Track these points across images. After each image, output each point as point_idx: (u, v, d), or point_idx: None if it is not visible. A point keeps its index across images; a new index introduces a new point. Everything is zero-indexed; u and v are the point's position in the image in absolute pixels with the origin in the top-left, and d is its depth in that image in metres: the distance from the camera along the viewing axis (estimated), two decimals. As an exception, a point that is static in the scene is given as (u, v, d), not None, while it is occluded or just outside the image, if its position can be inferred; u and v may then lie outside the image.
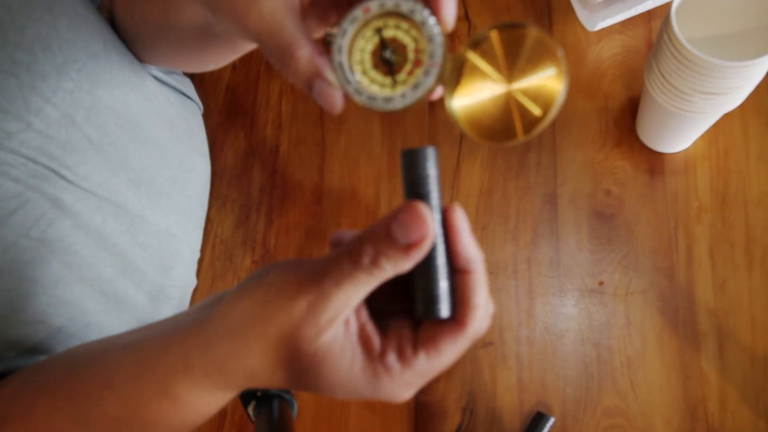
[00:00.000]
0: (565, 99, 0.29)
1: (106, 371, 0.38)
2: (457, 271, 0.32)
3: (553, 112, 0.29)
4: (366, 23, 0.31)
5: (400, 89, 0.31)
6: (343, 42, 0.31)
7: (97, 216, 0.52)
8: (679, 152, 0.68)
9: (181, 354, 0.35)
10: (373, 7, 0.31)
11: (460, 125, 0.31)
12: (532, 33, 0.29)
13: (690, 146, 0.68)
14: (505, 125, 0.30)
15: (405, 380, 0.32)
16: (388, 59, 0.31)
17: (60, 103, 0.46)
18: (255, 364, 0.33)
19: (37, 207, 0.47)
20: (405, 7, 0.30)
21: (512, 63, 0.30)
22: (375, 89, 0.31)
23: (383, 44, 0.31)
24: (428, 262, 0.30)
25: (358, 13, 0.31)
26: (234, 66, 0.77)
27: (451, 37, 0.76)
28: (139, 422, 0.37)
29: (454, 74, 0.31)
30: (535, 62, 0.30)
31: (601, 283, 0.64)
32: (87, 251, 0.52)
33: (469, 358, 0.63)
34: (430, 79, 0.30)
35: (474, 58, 0.30)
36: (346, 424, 0.61)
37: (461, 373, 0.62)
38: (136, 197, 0.57)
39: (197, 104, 0.74)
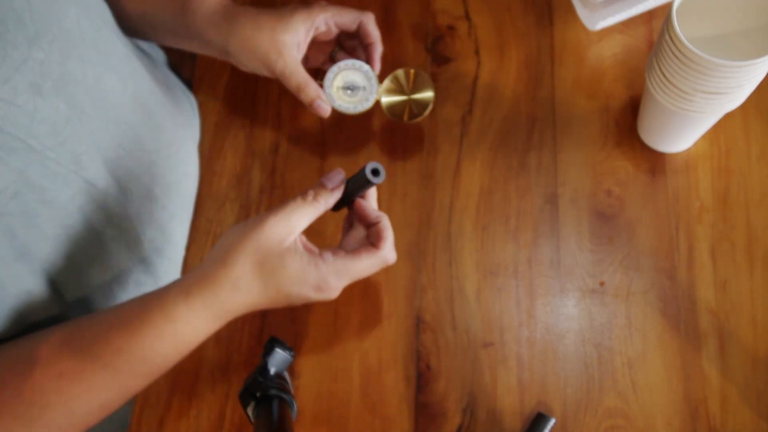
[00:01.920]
0: (434, 105, 0.66)
1: (117, 310, 0.49)
2: (372, 224, 0.54)
3: (427, 111, 0.66)
4: (338, 72, 0.66)
5: (357, 104, 0.66)
6: (328, 83, 0.65)
7: (66, 191, 0.52)
8: (680, 152, 0.68)
9: (181, 287, 0.48)
10: (341, 66, 0.65)
11: (386, 113, 0.67)
12: (420, 71, 0.67)
13: (691, 146, 0.68)
14: (404, 114, 0.67)
15: (336, 268, 0.50)
16: (350, 89, 0.66)
17: (28, 73, 0.45)
18: (238, 272, 0.48)
19: (1, 178, 0.46)
20: (356, 65, 0.65)
21: (412, 86, 0.67)
22: (345, 105, 0.65)
23: (348, 82, 0.66)
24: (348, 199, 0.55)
25: (335, 69, 0.65)
26: (233, 66, 0.77)
27: (452, 36, 0.75)
28: (138, 350, 0.47)
29: (384, 91, 0.67)
30: (421, 85, 0.67)
31: (602, 284, 0.64)
32: (48, 227, 0.51)
33: (470, 358, 0.63)
34: (372, 98, 0.65)
35: (393, 82, 0.67)
36: (346, 424, 0.61)
37: (461, 374, 0.62)
38: (109, 176, 0.56)
39: (191, 102, 0.74)
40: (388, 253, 0.53)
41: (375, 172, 0.50)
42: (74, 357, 0.47)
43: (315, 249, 0.51)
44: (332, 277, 0.50)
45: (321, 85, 0.64)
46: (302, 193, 0.51)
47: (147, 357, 0.48)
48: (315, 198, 0.51)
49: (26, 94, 0.46)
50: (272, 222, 0.48)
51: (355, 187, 0.53)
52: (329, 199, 0.52)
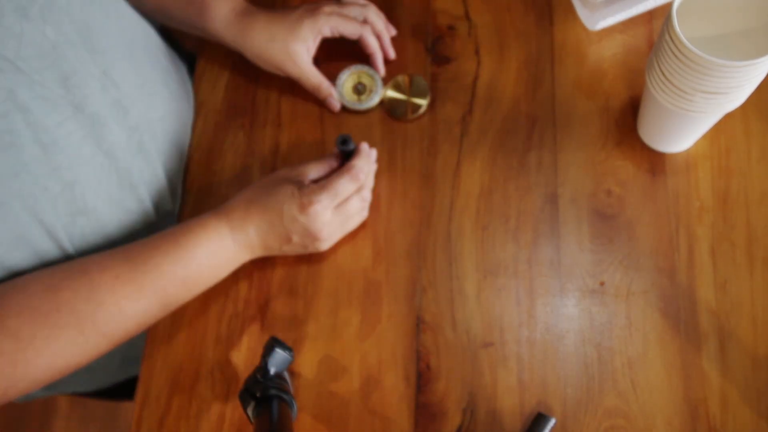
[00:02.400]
0: (431, 102, 0.73)
1: (155, 237, 0.59)
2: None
3: (423, 108, 0.72)
4: (349, 75, 0.74)
5: (364, 102, 0.73)
6: (340, 83, 0.73)
7: (54, 116, 0.53)
8: (680, 152, 0.68)
9: (210, 212, 0.62)
10: (352, 69, 0.74)
11: (392, 113, 0.73)
12: (417, 77, 0.73)
13: (691, 146, 0.68)
14: (406, 112, 0.72)
15: (315, 186, 0.61)
16: (359, 89, 0.73)
17: None
18: (250, 195, 0.62)
19: None
20: (365, 69, 0.74)
21: (410, 88, 0.73)
22: (353, 101, 0.73)
23: (358, 83, 0.74)
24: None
25: (347, 72, 0.74)
26: (234, 65, 0.77)
27: (452, 36, 0.75)
28: (180, 253, 0.58)
29: (387, 95, 0.73)
30: (418, 88, 0.73)
31: (602, 284, 0.64)
32: (39, 150, 0.53)
33: (470, 358, 0.63)
34: (377, 98, 0.73)
35: (395, 86, 0.73)
36: (346, 425, 0.61)
37: (461, 374, 0.62)
38: (95, 102, 0.57)
39: (172, 55, 0.76)
40: (355, 166, 0.63)
41: (344, 142, 0.64)
42: (127, 262, 0.56)
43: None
44: (314, 194, 0.60)
45: (334, 83, 0.73)
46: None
47: (186, 260, 0.58)
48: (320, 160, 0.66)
49: (13, 16, 0.47)
50: (283, 168, 0.65)
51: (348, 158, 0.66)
52: (332, 162, 0.66)
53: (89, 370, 0.61)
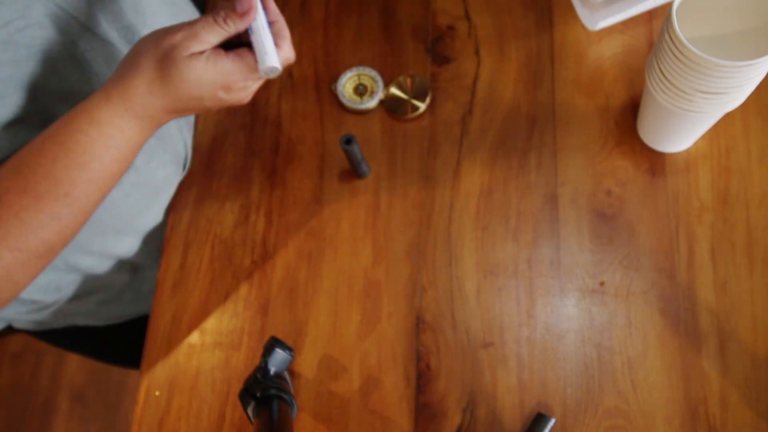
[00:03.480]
0: (430, 102, 0.73)
1: (48, 128, 0.51)
2: (271, 23, 0.51)
3: (422, 109, 0.72)
4: (351, 76, 0.74)
5: (365, 102, 0.73)
6: (342, 83, 0.74)
7: (67, 35, 0.54)
8: (680, 152, 0.68)
9: (102, 92, 0.50)
10: (354, 71, 0.74)
11: (392, 112, 0.73)
12: (419, 78, 0.73)
13: (691, 146, 0.68)
14: (406, 111, 0.72)
15: (239, 66, 0.50)
16: (360, 90, 0.74)
17: None
18: (150, 76, 0.49)
19: (9, 11, 0.49)
20: (365, 71, 0.74)
21: (411, 88, 0.73)
22: (355, 101, 0.73)
23: (359, 84, 0.74)
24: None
25: (348, 73, 0.74)
26: (234, 66, 0.77)
27: (452, 36, 0.75)
28: (70, 153, 0.50)
29: (388, 94, 0.73)
30: (420, 89, 0.73)
31: (602, 284, 0.64)
32: (49, 66, 0.54)
33: (470, 358, 0.63)
34: (377, 98, 0.73)
35: (396, 86, 0.74)
36: (346, 424, 0.61)
37: (461, 374, 0.62)
38: (109, 25, 0.59)
39: None
40: (287, 51, 0.52)
41: (348, 141, 0.63)
42: (17, 176, 0.50)
43: (223, 52, 0.51)
44: (237, 75, 0.50)
45: (335, 84, 0.74)
46: (214, 13, 0.50)
47: (83, 162, 0.50)
48: (224, 21, 0.50)
49: None
50: (180, 36, 0.49)
51: (351, 156, 0.66)
52: (239, 24, 0.51)
53: (103, 302, 0.62)
